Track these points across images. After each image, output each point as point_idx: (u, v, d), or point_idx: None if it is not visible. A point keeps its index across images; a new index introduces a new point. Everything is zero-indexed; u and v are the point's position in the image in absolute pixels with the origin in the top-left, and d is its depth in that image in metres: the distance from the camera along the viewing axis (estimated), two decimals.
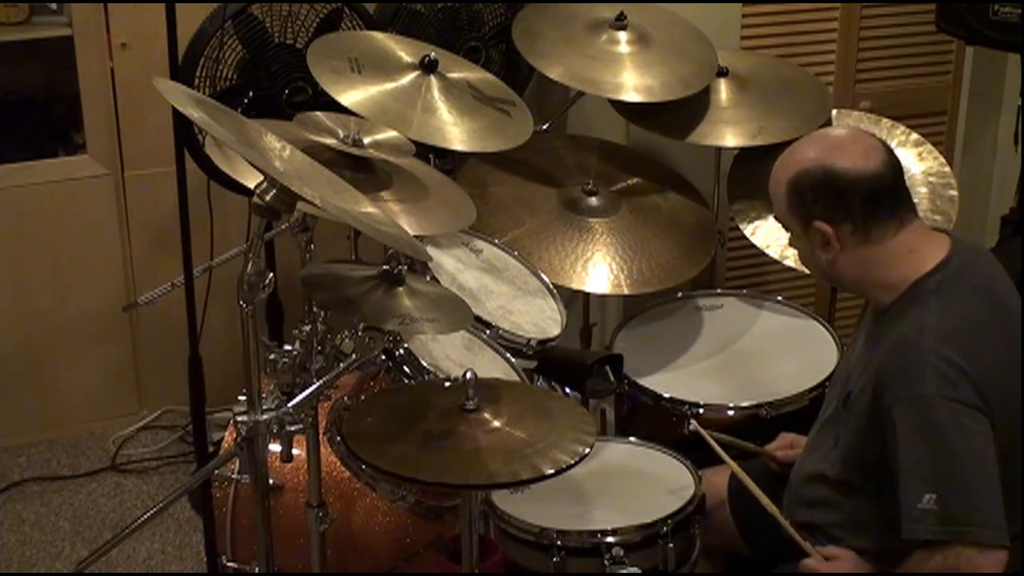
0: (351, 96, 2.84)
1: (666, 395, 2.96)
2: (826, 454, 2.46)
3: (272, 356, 2.33)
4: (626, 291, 3.14)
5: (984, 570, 2.16)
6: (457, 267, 2.97)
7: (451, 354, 2.76)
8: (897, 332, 2.30)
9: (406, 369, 2.62)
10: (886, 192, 2.33)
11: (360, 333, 2.44)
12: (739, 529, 2.70)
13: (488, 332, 2.81)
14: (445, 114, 2.93)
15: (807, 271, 3.20)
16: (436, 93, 2.95)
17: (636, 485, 2.68)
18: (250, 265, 2.08)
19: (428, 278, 2.75)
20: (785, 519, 2.47)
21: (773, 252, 3.24)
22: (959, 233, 2.99)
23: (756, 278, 3.81)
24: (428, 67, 2.97)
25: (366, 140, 2.63)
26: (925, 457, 2.20)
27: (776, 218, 2.48)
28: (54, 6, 3.75)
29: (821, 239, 2.35)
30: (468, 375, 2.27)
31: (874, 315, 2.43)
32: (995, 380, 2.24)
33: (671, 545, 2.52)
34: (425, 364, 2.63)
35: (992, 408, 2.22)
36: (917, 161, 3.33)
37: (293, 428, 2.22)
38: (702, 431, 2.69)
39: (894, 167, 2.35)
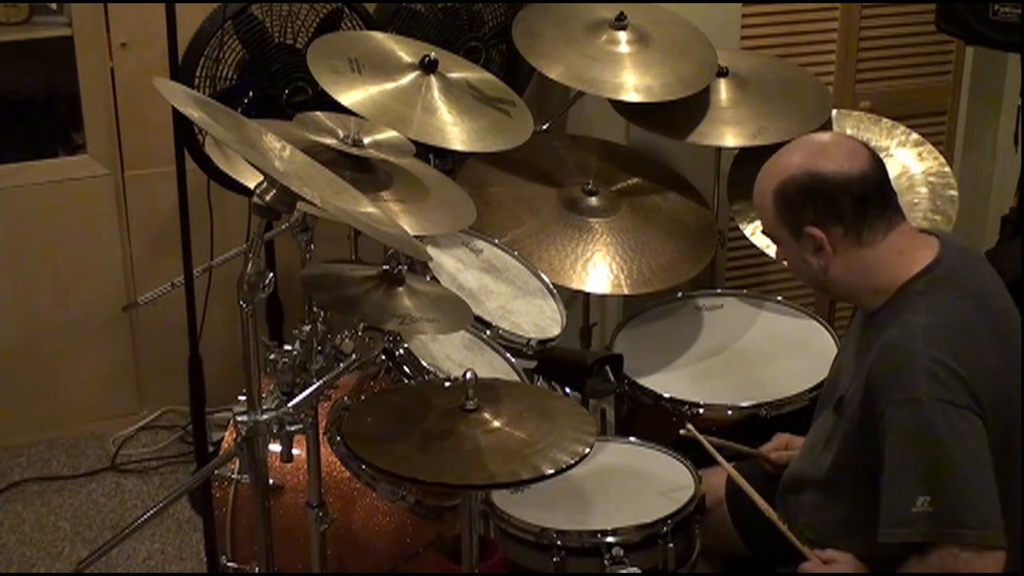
0: (351, 96, 2.84)
1: (666, 395, 2.96)
2: (816, 459, 2.46)
3: (272, 356, 2.32)
4: (626, 291, 3.13)
5: (982, 572, 2.15)
6: (457, 267, 2.97)
7: (451, 354, 2.76)
8: (887, 336, 2.28)
9: (406, 369, 2.62)
10: (874, 193, 2.32)
11: (360, 333, 2.44)
12: (738, 529, 2.69)
13: (488, 332, 2.81)
14: (445, 114, 2.93)
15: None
16: (436, 93, 2.95)
17: (636, 485, 2.68)
18: (250, 265, 2.08)
19: (428, 278, 2.75)
20: (782, 522, 2.47)
21: (773, 252, 3.24)
22: (954, 232, 3.01)
23: (756, 278, 3.81)
24: (428, 67, 2.97)
25: (366, 140, 2.63)
26: (919, 459, 2.18)
27: (764, 232, 2.46)
28: (54, 6, 3.75)
29: (813, 245, 2.33)
30: (468, 375, 2.26)
31: (863, 320, 2.42)
32: (987, 380, 2.23)
33: (671, 545, 2.52)
34: (425, 364, 2.63)
35: (984, 408, 2.21)
36: (917, 161, 3.33)
37: (293, 428, 2.21)
38: (698, 435, 2.69)
39: (879, 168, 2.34)
